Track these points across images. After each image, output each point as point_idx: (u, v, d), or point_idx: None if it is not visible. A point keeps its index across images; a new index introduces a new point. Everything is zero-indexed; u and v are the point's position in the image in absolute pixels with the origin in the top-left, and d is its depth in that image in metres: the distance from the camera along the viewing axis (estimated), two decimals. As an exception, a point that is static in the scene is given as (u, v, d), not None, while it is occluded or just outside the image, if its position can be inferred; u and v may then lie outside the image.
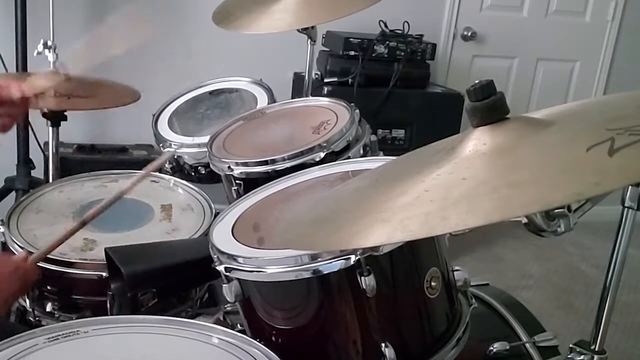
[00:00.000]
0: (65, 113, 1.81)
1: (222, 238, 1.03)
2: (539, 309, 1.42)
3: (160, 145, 1.68)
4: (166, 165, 1.68)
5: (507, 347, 1.14)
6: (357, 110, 1.41)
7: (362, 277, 0.87)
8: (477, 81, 0.75)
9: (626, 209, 0.85)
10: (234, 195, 1.35)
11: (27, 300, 1.27)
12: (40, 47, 1.94)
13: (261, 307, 0.98)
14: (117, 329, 0.90)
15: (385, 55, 3.00)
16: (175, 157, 1.65)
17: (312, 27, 1.76)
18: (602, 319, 0.90)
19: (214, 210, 1.42)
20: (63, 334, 0.87)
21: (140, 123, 1.97)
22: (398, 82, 2.99)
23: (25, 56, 2.62)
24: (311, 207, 0.87)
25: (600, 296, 0.90)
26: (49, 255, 1.20)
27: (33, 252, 1.17)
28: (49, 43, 1.94)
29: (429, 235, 0.63)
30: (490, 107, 0.74)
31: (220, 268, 0.96)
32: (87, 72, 1.21)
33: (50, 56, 1.92)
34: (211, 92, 1.84)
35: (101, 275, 1.19)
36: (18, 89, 1.18)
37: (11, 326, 1.25)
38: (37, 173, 2.72)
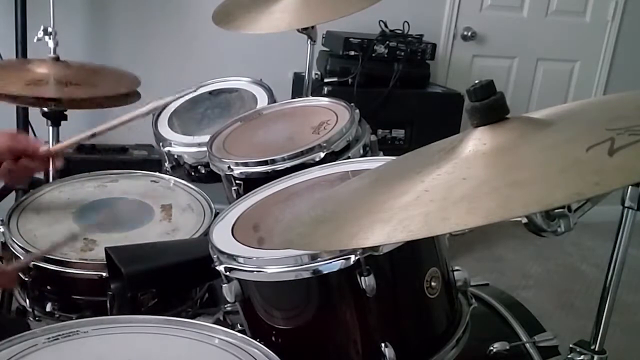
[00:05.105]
0: (66, 113, 1.81)
1: (222, 238, 1.03)
2: (539, 309, 1.42)
3: (160, 144, 1.68)
4: (166, 165, 1.68)
5: (507, 347, 1.14)
6: (357, 110, 1.41)
7: (362, 277, 0.87)
8: (477, 81, 0.76)
9: (626, 209, 0.85)
10: (234, 195, 1.35)
11: (27, 300, 1.27)
12: (40, 33, 1.93)
13: (261, 307, 0.98)
14: (117, 329, 0.90)
15: (385, 55, 3.00)
16: (176, 156, 1.65)
17: (312, 27, 1.76)
18: (602, 319, 0.90)
19: (214, 210, 1.41)
20: (63, 334, 0.86)
21: (140, 123, 1.97)
22: (398, 82, 3.00)
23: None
24: (311, 207, 0.87)
25: (600, 296, 0.90)
26: (49, 256, 1.20)
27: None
28: (49, 29, 1.93)
29: (429, 235, 0.63)
30: (490, 107, 0.74)
31: (220, 268, 0.96)
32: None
33: (50, 42, 1.91)
34: (211, 92, 1.84)
35: (101, 275, 1.19)
36: (45, 145, 1.31)
37: (11, 322, 1.26)
38: (37, 173, 2.72)
